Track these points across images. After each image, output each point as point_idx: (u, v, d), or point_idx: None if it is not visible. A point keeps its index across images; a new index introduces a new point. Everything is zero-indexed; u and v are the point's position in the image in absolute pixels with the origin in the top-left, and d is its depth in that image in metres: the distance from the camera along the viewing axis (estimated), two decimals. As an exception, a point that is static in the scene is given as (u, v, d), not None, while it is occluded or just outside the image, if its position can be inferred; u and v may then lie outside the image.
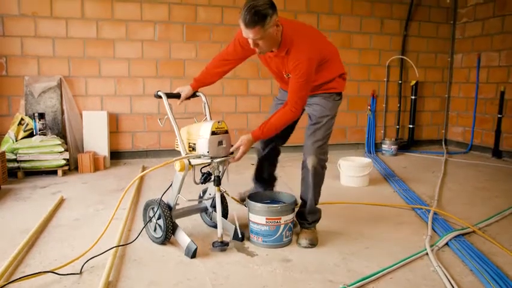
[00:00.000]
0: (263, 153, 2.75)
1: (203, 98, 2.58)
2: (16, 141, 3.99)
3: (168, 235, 2.33)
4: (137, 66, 4.73)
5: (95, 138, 4.51)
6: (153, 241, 2.43)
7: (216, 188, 2.30)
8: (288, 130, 2.52)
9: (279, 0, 4.99)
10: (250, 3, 1.98)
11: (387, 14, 5.59)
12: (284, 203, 2.51)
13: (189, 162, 2.21)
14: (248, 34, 2.06)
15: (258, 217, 2.37)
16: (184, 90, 2.49)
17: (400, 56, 5.69)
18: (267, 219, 2.35)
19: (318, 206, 2.56)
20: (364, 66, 5.59)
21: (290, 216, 2.40)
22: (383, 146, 5.49)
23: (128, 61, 4.70)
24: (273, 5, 2.02)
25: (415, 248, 2.38)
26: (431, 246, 2.37)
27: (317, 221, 2.56)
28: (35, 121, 4.11)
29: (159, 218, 2.37)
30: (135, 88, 4.76)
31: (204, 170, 2.37)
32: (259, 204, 2.38)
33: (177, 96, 2.49)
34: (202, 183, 2.33)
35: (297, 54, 2.15)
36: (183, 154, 2.27)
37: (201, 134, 2.26)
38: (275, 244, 2.37)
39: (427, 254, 2.29)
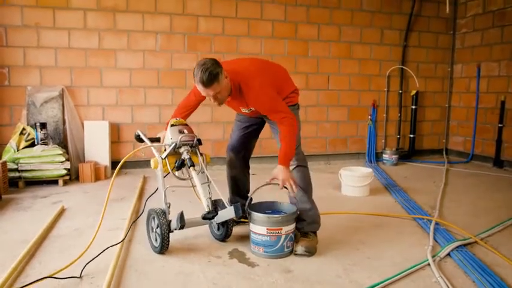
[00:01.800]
0: (235, 158, 2.85)
1: None
2: (17, 150, 4.00)
3: (164, 243, 2.35)
4: (139, 76, 4.75)
5: (96, 148, 4.52)
6: (153, 250, 2.44)
7: (191, 168, 2.43)
8: (251, 141, 2.85)
9: (280, 12, 5.11)
10: (201, 67, 2.24)
11: (387, 25, 5.63)
12: (285, 213, 2.50)
13: (161, 158, 2.46)
14: (208, 92, 2.31)
15: (259, 227, 2.36)
16: (162, 133, 2.77)
17: (400, 66, 5.72)
18: (267, 229, 2.34)
19: (318, 212, 2.58)
20: (364, 77, 5.62)
21: (291, 227, 2.40)
22: (384, 155, 5.49)
23: (130, 71, 4.72)
24: (217, 62, 2.29)
25: (417, 259, 2.37)
26: (433, 256, 2.36)
27: (314, 223, 2.55)
28: (36, 131, 4.12)
29: (157, 227, 2.39)
30: (136, 98, 4.78)
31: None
32: (259, 215, 2.38)
33: (158, 140, 2.76)
34: (177, 169, 2.47)
35: (248, 88, 2.37)
36: (156, 156, 2.52)
37: (166, 134, 2.59)
38: (276, 255, 2.37)
39: (428, 264, 2.28)
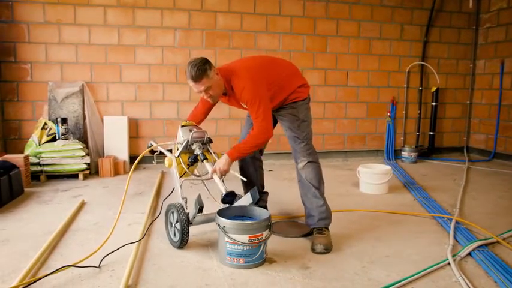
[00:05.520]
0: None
1: None
2: (39, 145, 4.08)
3: (184, 238, 2.36)
4: (157, 72, 4.79)
5: (116, 143, 4.58)
6: (172, 245, 2.46)
7: (205, 161, 2.53)
8: None
9: (299, 7, 5.08)
10: (190, 64, 2.37)
11: (407, 20, 5.54)
12: (256, 217, 2.34)
13: (175, 156, 2.54)
14: (199, 87, 2.41)
15: (239, 236, 2.15)
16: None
17: (421, 62, 5.62)
18: (250, 237, 2.15)
19: (329, 208, 2.58)
20: (383, 73, 5.54)
21: (268, 231, 2.24)
22: (403, 153, 5.42)
23: (149, 67, 4.76)
24: (207, 60, 2.41)
25: (437, 258, 2.33)
26: (453, 256, 2.32)
27: (326, 219, 2.55)
28: (57, 126, 4.19)
29: (177, 222, 2.40)
30: (155, 94, 4.82)
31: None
32: (241, 222, 2.18)
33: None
34: (191, 164, 2.56)
35: (238, 84, 2.45)
36: (169, 155, 2.63)
37: (178, 134, 2.67)
38: (256, 263, 2.20)
39: (449, 264, 2.24)
